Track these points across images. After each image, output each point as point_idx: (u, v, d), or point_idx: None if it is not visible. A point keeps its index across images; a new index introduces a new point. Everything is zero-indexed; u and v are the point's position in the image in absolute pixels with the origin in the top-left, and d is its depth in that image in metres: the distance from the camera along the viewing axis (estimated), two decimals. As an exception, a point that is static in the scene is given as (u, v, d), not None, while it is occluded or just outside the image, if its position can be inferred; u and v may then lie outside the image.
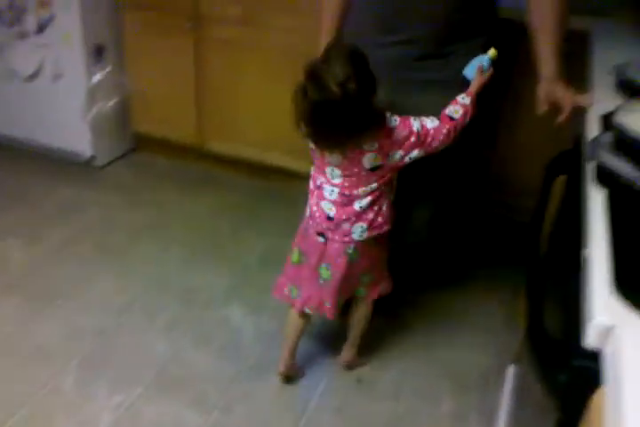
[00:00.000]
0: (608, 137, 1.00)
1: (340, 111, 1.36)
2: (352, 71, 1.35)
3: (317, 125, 1.42)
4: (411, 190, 1.85)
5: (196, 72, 2.69)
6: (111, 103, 2.82)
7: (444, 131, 1.52)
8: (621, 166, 0.92)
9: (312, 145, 1.54)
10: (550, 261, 1.36)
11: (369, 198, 1.54)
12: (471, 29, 1.64)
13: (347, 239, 1.58)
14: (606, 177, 0.94)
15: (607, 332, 0.69)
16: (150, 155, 3.01)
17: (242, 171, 2.88)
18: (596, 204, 0.93)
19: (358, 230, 1.57)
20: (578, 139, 1.35)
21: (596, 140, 1.03)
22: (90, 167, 2.89)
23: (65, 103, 2.76)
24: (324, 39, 1.74)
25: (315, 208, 1.60)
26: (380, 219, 1.58)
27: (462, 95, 1.56)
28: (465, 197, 2.42)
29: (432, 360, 1.96)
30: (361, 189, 1.53)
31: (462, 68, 1.64)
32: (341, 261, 1.62)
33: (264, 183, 2.83)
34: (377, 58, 1.52)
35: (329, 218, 1.57)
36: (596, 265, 0.79)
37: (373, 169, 1.51)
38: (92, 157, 2.87)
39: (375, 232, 1.59)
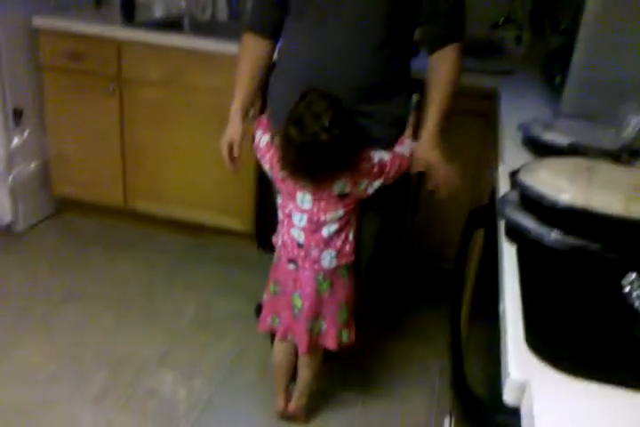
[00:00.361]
0: (514, 195, 1.06)
1: (326, 153, 1.49)
2: (335, 116, 1.47)
3: (302, 165, 1.53)
4: None
5: (120, 133, 2.68)
6: (31, 167, 2.76)
7: (397, 163, 1.64)
8: (527, 223, 0.97)
9: (282, 175, 1.62)
10: (475, 312, 1.40)
11: (336, 225, 1.62)
12: (389, 90, 1.70)
13: (316, 267, 1.64)
14: (515, 233, 0.99)
15: (522, 387, 0.72)
16: (74, 218, 2.94)
17: (171, 230, 2.85)
18: (509, 258, 0.98)
19: (327, 257, 1.64)
20: (492, 194, 1.42)
21: (504, 197, 1.09)
22: (10, 233, 2.78)
23: (-18, 168, 2.68)
24: (237, 97, 1.79)
25: (285, 237, 1.67)
26: (347, 248, 1.66)
27: (408, 141, 1.68)
28: (392, 247, 2.48)
29: (372, 416, 1.95)
30: (329, 215, 1.62)
31: (384, 126, 1.71)
32: (310, 290, 1.65)
33: (194, 241, 2.81)
34: None
35: (299, 245, 1.65)
36: (509, 320, 0.82)
37: (341, 196, 1.60)
38: (12, 223, 2.78)
39: (344, 260, 1.66)
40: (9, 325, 2.22)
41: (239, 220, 2.70)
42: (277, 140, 1.59)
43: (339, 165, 1.55)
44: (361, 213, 1.71)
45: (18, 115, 2.64)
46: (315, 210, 1.62)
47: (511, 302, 0.86)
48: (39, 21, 2.59)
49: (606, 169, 1.04)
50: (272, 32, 1.75)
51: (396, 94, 1.72)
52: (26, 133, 2.67)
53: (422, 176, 2.40)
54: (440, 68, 1.67)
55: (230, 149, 1.81)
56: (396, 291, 2.55)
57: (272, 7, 1.72)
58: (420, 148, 1.65)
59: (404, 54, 1.73)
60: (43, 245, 2.75)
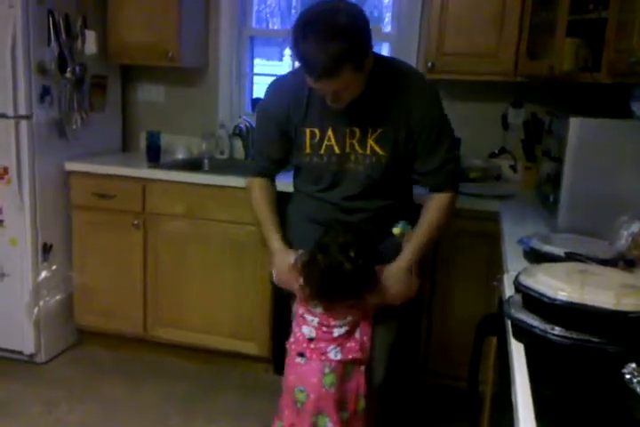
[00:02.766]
0: (518, 297, 1.15)
1: (347, 280, 1.67)
2: (359, 248, 1.68)
3: (322, 288, 1.70)
4: None
5: (143, 264, 2.82)
6: (56, 299, 2.86)
7: None
8: (531, 321, 1.05)
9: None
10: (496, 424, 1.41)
11: (346, 328, 1.76)
12: (395, 215, 1.88)
13: (323, 358, 1.74)
14: (521, 331, 1.06)
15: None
16: (94, 348, 2.99)
17: (189, 357, 2.88)
18: (518, 355, 1.04)
19: (333, 351, 1.75)
20: (500, 302, 1.50)
21: (508, 300, 1.18)
22: (31, 364, 2.82)
23: (9, 302, 2.78)
24: (275, 234, 1.89)
25: (298, 333, 1.80)
26: (352, 343, 1.77)
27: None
28: (407, 367, 2.48)
29: None
30: (338, 321, 1.75)
31: (393, 249, 1.85)
32: (316, 381, 1.72)
33: (212, 367, 2.83)
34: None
35: (310, 339, 1.78)
36: (521, 409, 0.87)
37: (350, 306, 1.75)
38: (35, 353, 2.82)
39: (349, 356, 1.75)
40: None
41: (256, 345, 2.74)
42: (301, 263, 1.76)
43: (355, 291, 1.71)
44: (376, 325, 1.81)
45: (47, 250, 2.80)
46: (326, 316, 1.77)
47: (522, 393, 0.91)
48: (71, 166, 2.84)
49: (597, 271, 1.14)
50: (275, 177, 1.99)
51: (400, 219, 1.88)
52: (53, 267, 2.81)
53: (434, 296, 2.49)
54: (432, 213, 1.83)
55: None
56: (411, 413, 2.51)
57: (273, 165, 1.93)
58: (387, 275, 1.80)
59: (407, 193, 1.97)
60: (62, 376, 2.76)
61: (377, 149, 1.76)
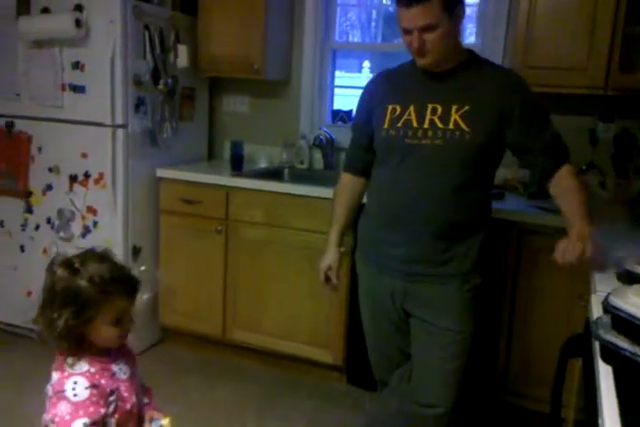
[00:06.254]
0: (607, 318, 1.12)
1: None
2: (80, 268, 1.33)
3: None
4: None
5: (224, 268, 2.91)
6: (143, 298, 2.98)
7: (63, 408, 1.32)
8: (621, 343, 1.02)
9: None
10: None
11: None
12: (471, 228, 1.85)
13: None
14: (610, 353, 1.04)
15: None
16: (176, 347, 3.11)
17: (264, 361, 2.94)
18: (606, 377, 1.02)
19: None
20: (586, 323, 1.46)
21: (597, 320, 1.15)
22: (116, 361, 2.96)
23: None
24: (334, 227, 2.04)
25: None
26: None
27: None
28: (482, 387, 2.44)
29: None
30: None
31: (461, 263, 1.83)
32: None
33: (286, 372, 2.88)
34: (389, 255, 1.81)
35: None
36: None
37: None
38: (120, 351, 2.96)
39: None
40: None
41: (330, 354, 2.76)
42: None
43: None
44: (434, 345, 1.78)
45: (136, 252, 2.93)
46: None
47: (609, 418, 0.89)
48: (161, 173, 2.98)
49: (694, 294, 1.10)
50: (363, 171, 2.01)
51: (476, 233, 1.86)
52: (142, 268, 2.94)
53: (514, 313, 2.44)
54: (565, 186, 1.82)
55: (326, 273, 2.05)
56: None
57: (363, 152, 1.98)
58: (576, 237, 1.71)
59: (483, 195, 1.90)
60: (146, 372, 2.84)
61: (461, 124, 1.75)
